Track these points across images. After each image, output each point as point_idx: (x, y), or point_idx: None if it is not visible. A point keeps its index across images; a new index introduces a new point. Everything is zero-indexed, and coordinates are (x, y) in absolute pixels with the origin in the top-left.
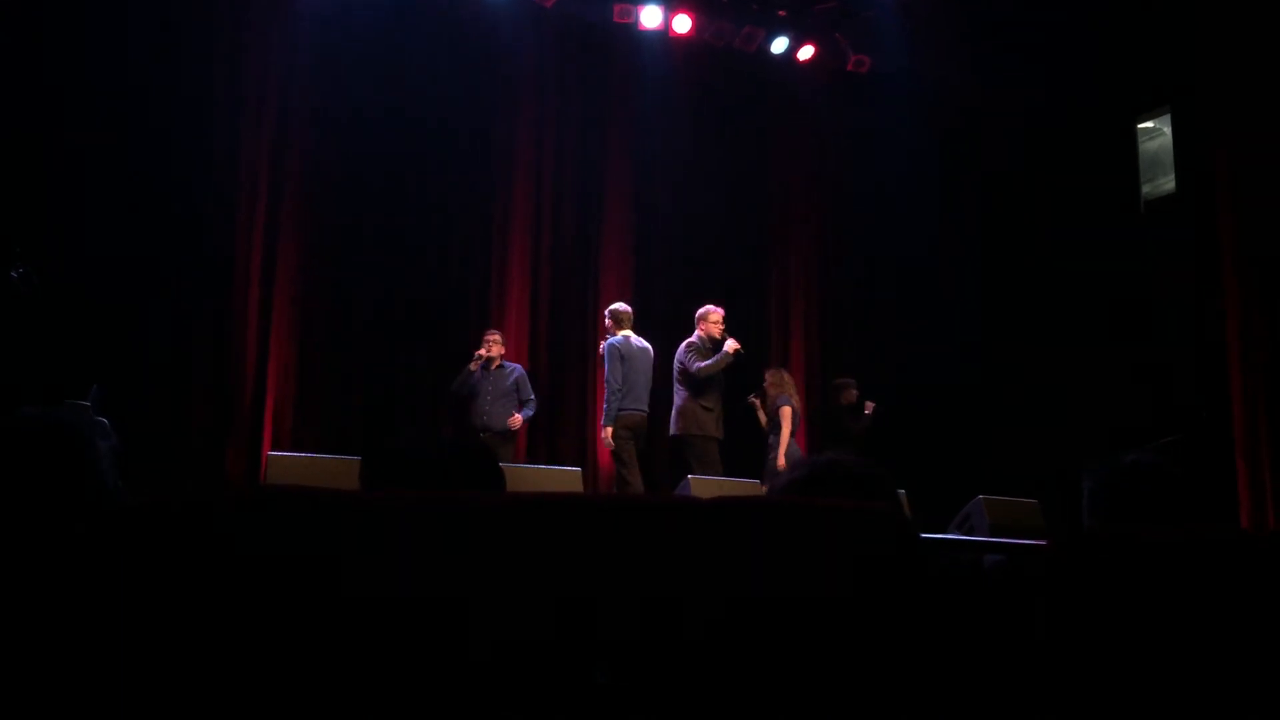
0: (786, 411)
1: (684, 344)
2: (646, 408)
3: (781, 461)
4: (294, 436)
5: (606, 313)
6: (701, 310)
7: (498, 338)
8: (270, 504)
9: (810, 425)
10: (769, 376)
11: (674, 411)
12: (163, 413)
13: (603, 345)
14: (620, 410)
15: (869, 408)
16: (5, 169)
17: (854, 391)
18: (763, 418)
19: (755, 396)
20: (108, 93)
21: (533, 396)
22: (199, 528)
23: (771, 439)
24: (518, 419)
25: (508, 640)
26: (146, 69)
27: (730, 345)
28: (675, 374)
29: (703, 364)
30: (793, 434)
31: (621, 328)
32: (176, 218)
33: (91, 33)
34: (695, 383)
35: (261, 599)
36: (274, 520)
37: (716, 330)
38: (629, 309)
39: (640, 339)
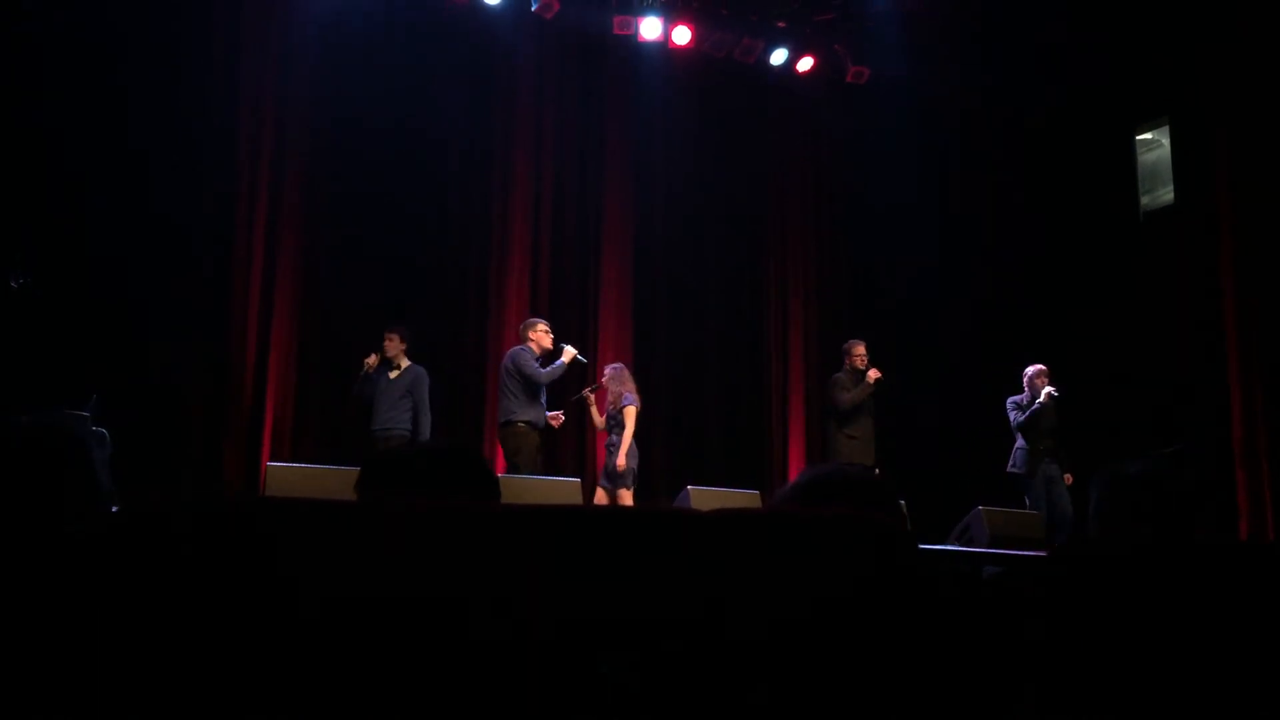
0: (631, 411)
1: (832, 379)
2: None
3: (622, 462)
4: (293, 446)
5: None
6: (846, 344)
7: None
8: (264, 512)
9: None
10: (610, 373)
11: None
12: (161, 423)
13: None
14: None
15: (1046, 396)
16: (5, 173)
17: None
18: (596, 415)
19: (591, 391)
20: (107, 96)
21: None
22: (196, 535)
23: (613, 438)
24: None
25: (508, 650)
26: (145, 74)
27: (872, 374)
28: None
29: (847, 395)
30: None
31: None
32: (175, 225)
33: (91, 36)
34: (841, 414)
35: (256, 606)
36: (268, 528)
37: (860, 362)
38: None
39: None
